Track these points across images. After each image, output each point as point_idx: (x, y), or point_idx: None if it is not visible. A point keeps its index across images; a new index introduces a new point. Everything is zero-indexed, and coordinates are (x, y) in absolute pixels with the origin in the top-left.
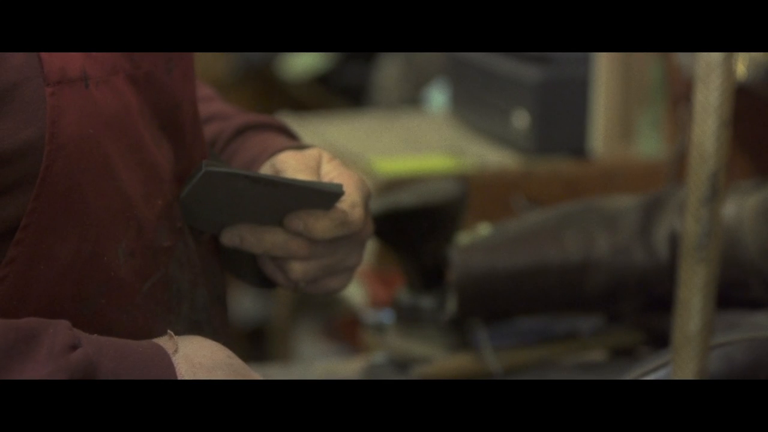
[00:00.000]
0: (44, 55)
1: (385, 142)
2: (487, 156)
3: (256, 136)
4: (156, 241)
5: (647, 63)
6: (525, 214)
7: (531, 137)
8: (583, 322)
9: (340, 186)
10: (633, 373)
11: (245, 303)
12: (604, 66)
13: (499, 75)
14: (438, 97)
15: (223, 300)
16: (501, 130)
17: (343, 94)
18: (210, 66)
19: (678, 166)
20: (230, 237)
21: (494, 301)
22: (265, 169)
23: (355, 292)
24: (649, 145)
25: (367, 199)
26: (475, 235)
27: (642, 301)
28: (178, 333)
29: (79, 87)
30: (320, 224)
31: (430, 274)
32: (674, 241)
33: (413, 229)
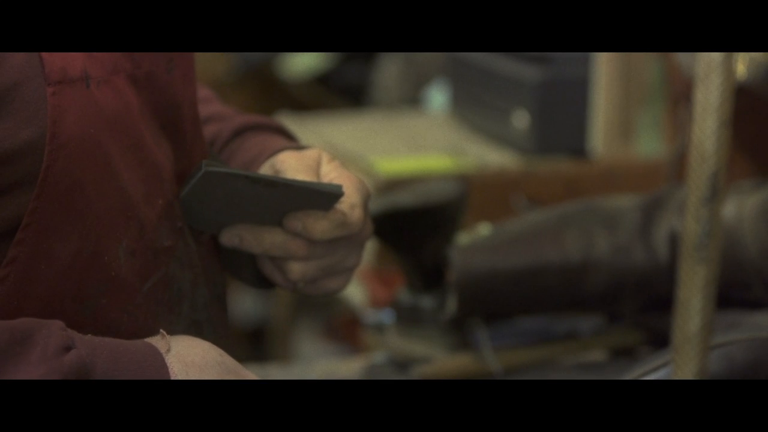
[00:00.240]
0: (45, 54)
1: (385, 142)
2: (487, 156)
3: (255, 136)
4: (157, 241)
5: (647, 63)
6: (525, 214)
7: (531, 137)
8: (583, 322)
9: (339, 187)
10: (633, 373)
11: (245, 303)
12: (604, 66)
13: (499, 75)
14: (438, 97)
15: (224, 300)
16: (501, 130)
17: (343, 94)
18: (210, 66)
19: (678, 166)
20: (229, 237)
21: (494, 301)
22: (265, 169)
23: (355, 292)
24: (649, 145)
25: (366, 200)
26: (475, 235)
27: (642, 301)
28: (178, 333)
29: (80, 87)
30: (319, 225)
31: (430, 274)
32: (674, 241)
33: (413, 229)
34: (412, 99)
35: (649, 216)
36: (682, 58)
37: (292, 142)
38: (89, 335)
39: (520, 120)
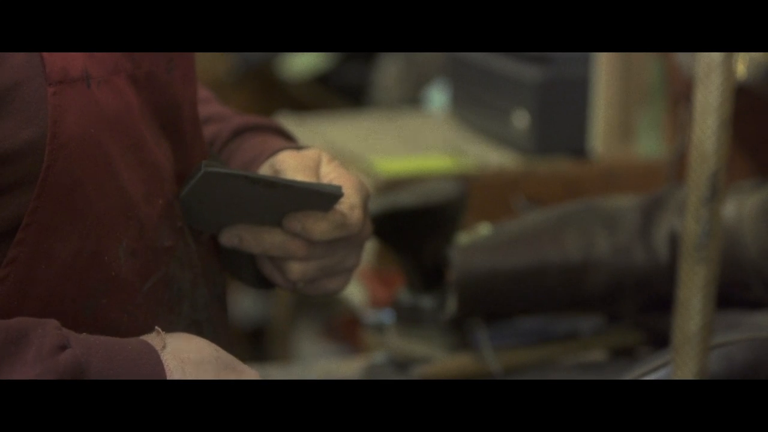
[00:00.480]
0: (46, 54)
1: (385, 142)
2: (487, 156)
3: (254, 137)
4: (157, 241)
5: (647, 63)
6: (525, 214)
7: (531, 137)
8: (583, 322)
9: (339, 188)
10: (633, 373)
11: (245, 303)
12: (604, 66)
13: (499, 75)
14: (438, 97)
15: (224, 300)
16: (501, 130)
17: (343, 94)
18: (210, 66)
19: (678, 166)
20: (229, 237)
21: (494, 301)
22: (265, 169)
23: (355, 292)
24: (649, 145)
25: (365, 200)
26: (475, 235)
27: (642, 301)
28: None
29: (81, 87)
30: (319, 226)
31: (430, 274)
32: (674, 241)
33: (413, 229)
34: (412, 99)
35: (649, 216)
36: (682, 58)
37: (291, 142)
38: (84, 334)
39: (520, 120)
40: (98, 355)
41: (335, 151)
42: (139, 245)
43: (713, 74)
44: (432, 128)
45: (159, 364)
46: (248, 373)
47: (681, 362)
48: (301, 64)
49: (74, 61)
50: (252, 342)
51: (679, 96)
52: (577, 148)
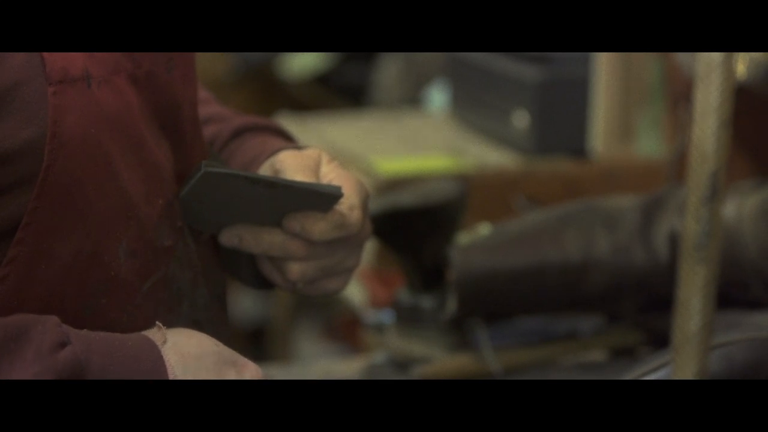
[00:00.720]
0: (46, 54)
1: (385, 142)
2: (487, 156)
3: (254, 137)
4: (157, 241)
5: (647, 63)
6: (525, 214)
7: (531, 137)
8: (583, 322)
9: (338, 188)
10: (633, 373)
11: (245, 303)
12: (604, 66)
13: (499, 75)
14: (438, 97)
15: (223, 300)
16: (501, 130)
17: (343, 94)
18: (210, 66)
19: (678, 166)
20: (229, 237)
21: (494, 301)
22: (265, 169)
23: (355, 292)
24: (649, 145)
25: (365, 201)
26: (475, 235)
27: (642, 301)
28: None
29: (81, 86)
30: (318, 226)
31: (430, 274)
32: (674, 241)
33: (413, 229)
34: (412, 99)
35: (649, 216)
36: (682, 58)
37: (291, 142)
38: (85, 330)
39: (520, 120)
40: (99, 351)
41: (335, 151)
42: (138, 245)
43: (713, 74)
44: (432, 128)
45: (160, 359)
46: (250, 367)
47: (681, 362)
48: (301, 64)
49: (74, 61)
50: (252, 342)
51: (679, 96)
52: (577, 148)
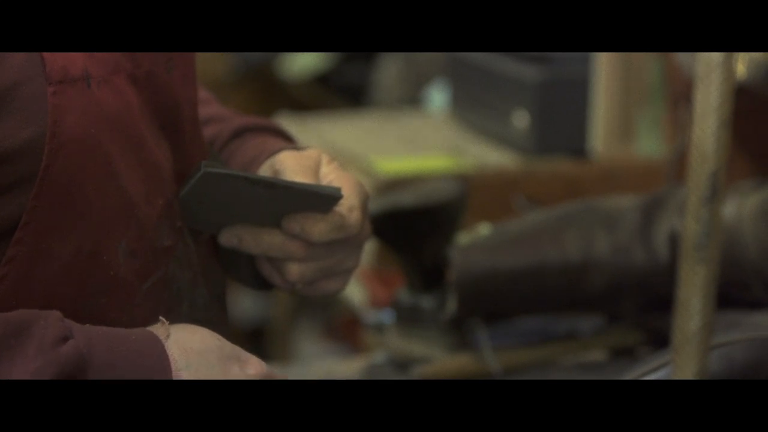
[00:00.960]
0: (46, 54)
1: (385, 142)
2: (487, 156)
3: (254, 138)
4: (156, 241)
5: (647, 63)
6: (525, 214)
7: (531, 137)
8: (583, 322)
9: (338, 190)
10: (633, 373)
11: (245, 303)
12: (604, 66)
13: (499, 75)
14: (438, 97)
15: (223, 300)
16: (501, 130)
17: (343, 94)
18: (210, 66)
19: (678, 166)
20: (228, 237)
21: (494, 301)
22: (264, 170)
23: (355, 292)
24: (649, 145)
25: (365, 202)
26: (475, 235)
27: (642, 301)
28: None
29: (81, 86)
30: (317, 227)
31: (430, 274)
32: (674, 241)
33: (413, 229)
34: (412, 99)
35: (649, 216)
36: (682, 58)
37: (290, 143)
38: (88, 325)
39: (520, 120)
40: (101, 346)
41: (335, 151)
42: (138, 245)
43: (713, 74)
44: (432, 128)
45: (163, 353)
46: (253, 362)
47: (681, 362)
48: (301, 64)
49: (74, 61)
50: (252, 342)
51: (679, 96)
52: (577, 148)
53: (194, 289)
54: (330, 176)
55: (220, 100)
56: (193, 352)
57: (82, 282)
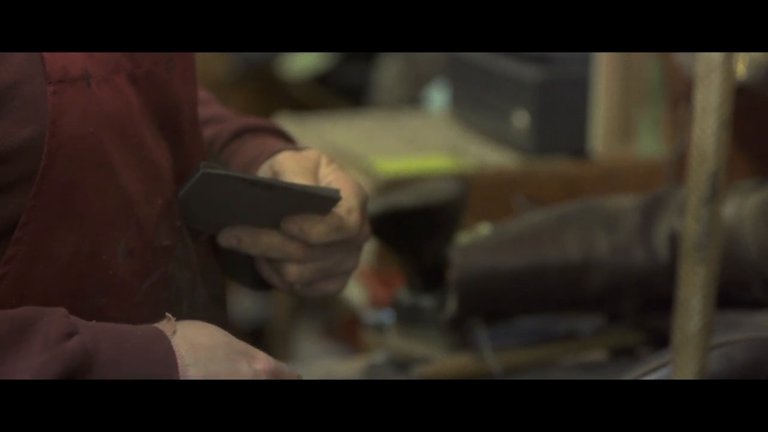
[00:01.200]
0: (46, 54)
1: (385, 142)
2: (487, 156)
3: (254, 138)
4: (156, 240)
5: (647, 63)
6: (525, 214)
7: (531, 137)
8: (583, 322)
9: (337, 191)
10: (633, 373)
11: (245, 303)
12: (604, 66)
13: (499, 75)
14: (438, 97)
15: (223, 300)
16: (501, 130)
17: (343, 94)
18: (210, 66)
19: (678, 166)
20: (227, 238)
21: (494, 301)
22: (264, 170)
23: (355, 292)
24: (649, 145)
25: (364, 203)
26: (475, 235)
27: (642, 301)
28: None
29: (81, 86)
30: (316, 229)
31: (430, 274)
32: (674, 241)
33: (413, 229)
34: (412, 99)
35: (649, 216)
36: (682, 58)
37: (290, 144)
38: (93, 321)
39: (520, 120)
40: (107, 342)
41: (335, 152)
42: (137, 245)
43: (713, 74)
44: (432, 128)
45: (170, 349)
46: (261, 357)
47: (681, 362)
48: (301, 64)
49: (74, 61)
50: (252, 342)
51: (679, 96)
52: (577, 148)
53: (194, 289)
54: (329, 177)
55: (220, 100)
56: (201, 347)
57: (81, 281)
